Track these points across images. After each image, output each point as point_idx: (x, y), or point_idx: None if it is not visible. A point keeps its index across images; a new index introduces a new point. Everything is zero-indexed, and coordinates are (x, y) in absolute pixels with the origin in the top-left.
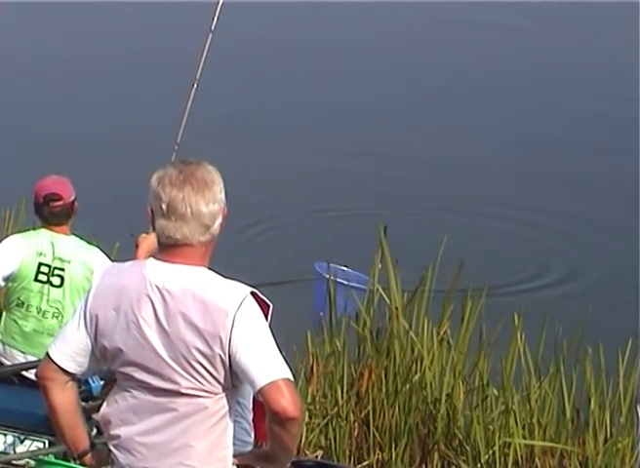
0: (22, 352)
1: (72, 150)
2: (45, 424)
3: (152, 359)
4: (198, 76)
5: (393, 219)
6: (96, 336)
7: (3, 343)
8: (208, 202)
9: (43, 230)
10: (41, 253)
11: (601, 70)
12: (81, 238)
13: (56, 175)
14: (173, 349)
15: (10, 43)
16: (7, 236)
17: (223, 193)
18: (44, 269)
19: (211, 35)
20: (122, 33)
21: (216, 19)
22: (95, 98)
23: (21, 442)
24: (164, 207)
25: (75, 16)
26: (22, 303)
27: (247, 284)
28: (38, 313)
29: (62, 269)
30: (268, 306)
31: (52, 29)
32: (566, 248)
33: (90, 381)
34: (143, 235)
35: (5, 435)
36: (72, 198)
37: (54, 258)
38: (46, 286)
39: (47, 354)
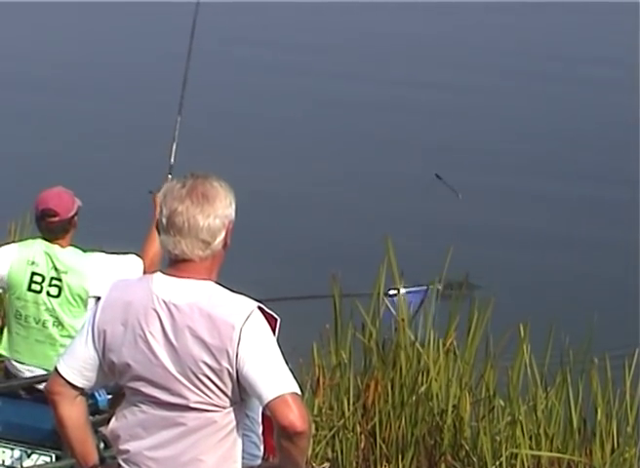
0: (26, 364)
1: (79, 161)
2: (52, 438)
3: (160, 373)
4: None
5: (399, 230)
6: (104, 351)
7: (8, 359)
8: (207, 216)
9: (39, 240)
10: (33, 263)
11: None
12: (77, 247)
13: (60, 187)
14: (181, 364)
15: (17, 48)
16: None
17: (232, 209)
18: (37, 278)
19: (191, 40)
20: (128, 37)
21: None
22: (101, 109)
23: (29, 456)
24: (164, 221)
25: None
26: (21, 315)
27: (254, 298)
28: (37, 323)
29: (59, 279)
30: (276, 320)
31: (66, 34)
32: (572, 258)
33: (96, 395)
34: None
35: (12, 449)
36: (71, 214)
37: (49, 269)
38: (40, 295)
39: (55, 369)
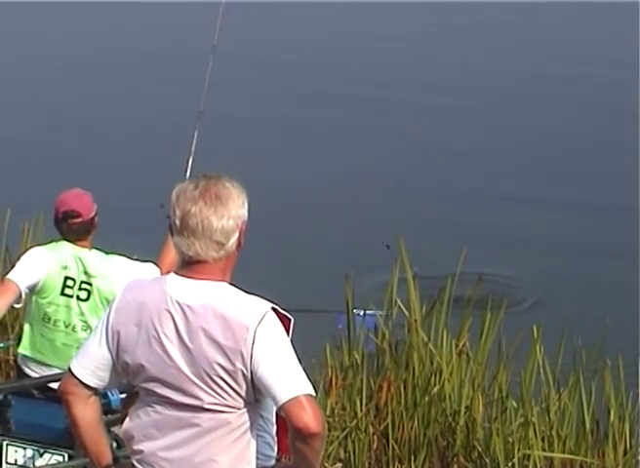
0: (50, 365)
1: (90, 162)
2: (64, 438)
3: (174, 375)
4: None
5: (412, 231)
6: (117, 352)
7: (28, 357)
8: (220, 217)
9: (65, 243)
10: (66, 267)
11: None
12: (100, 250)
13: (78, 188)
14: (195, 365)
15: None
16: (27, 249)
17: (245, 210)
18: (69, 283)
19: (212, 55)
20: (142, 35)
21: (216, 35)
22: (112, 110)
23: (41, 455)
24: (178, 222)
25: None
26: (49, 318)
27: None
28: (67, 327)
29: (90, 283)
30: (289, 320)
31: (72, 34)
32: (585, 260)
33: (109, 394)
34: None
35: (25, 448)
36: (92, 214)
37: (79, 273)
38: (72, 300)
39: (69, 369)
